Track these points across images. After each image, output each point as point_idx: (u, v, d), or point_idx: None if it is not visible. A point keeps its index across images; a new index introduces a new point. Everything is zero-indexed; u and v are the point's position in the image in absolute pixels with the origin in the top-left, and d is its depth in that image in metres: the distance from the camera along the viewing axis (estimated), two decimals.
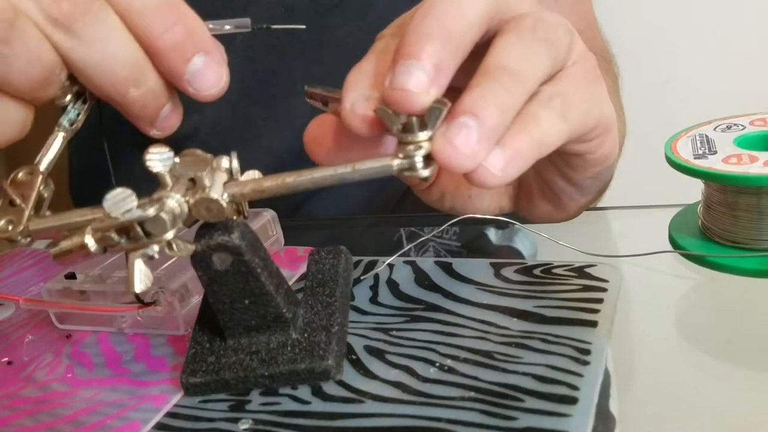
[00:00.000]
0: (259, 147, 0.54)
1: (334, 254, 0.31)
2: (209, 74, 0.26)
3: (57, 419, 0.28)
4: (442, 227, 0.43)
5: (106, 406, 0.29)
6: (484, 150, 0.24)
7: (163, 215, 0.24)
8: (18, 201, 0.26)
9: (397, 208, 0.59)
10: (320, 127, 0.28)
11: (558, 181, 0.34)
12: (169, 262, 0.33)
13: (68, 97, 0.26)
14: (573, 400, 0.24)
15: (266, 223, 0.38)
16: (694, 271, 0.34)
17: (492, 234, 0.44)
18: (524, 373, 0.26)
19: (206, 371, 0.28)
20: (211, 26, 0.27)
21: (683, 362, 0.30)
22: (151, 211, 0.24)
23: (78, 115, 0.26)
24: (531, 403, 0.25)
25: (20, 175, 0.26)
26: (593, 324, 0.29)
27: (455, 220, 0.41)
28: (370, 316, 0.32)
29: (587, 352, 0.27)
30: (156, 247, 0.24)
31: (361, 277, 0.35)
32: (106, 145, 0.29)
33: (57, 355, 0.33)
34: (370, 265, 0.36)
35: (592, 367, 0.26)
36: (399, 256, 0.37)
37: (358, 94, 0.25)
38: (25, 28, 0.23)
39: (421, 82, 0.24)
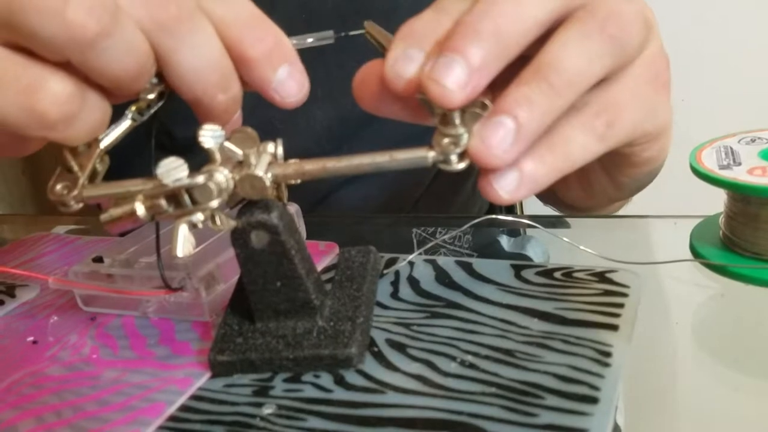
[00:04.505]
0: None
1: (363, 253, 0.32)
2: (293, 83, 0.27)
3: (82, 398, 0.29)
4: (456, 232, 0.43)
5: (131, 387, 0.29)
6: (517, 152, 0.24)
7: (211, 184, 0.25)
8: (75, 168, 0.27)
9: (413, 210, 0.59)
10: (370, 71, 0.28)
11: (596, 170, 0.33)
12: (197, 250, 0.34)
13: (153, 95, 0.27)
14: (594, 400, 0.25)
15: None
16: (714, 281, 0.34)
17: (504, 241, 0.45)
18: (545, 372, 0.26)
19: (233, 351, 0.28)
20: (294, 41, 0.29)
21: (698, 373, 0.30)
22: (200, 179, 0.25)
23: (150, 109, 0.28)
24: (552, 401, 0.25)
25: (80, 146, 0.28)
26: (614, 327, 0.29)
27: (472, 222, 0.41)
28: (391, 311, 0.32)
29: (608, 354, 0.27)
30: (201, 216, 0.26)
31: (384, 272, 0.35)
32: (153, 142, 0.29)
33: (82, 337, 0.34)
34: (391, 262, 0.36)
35: (612, 369, 0.26)
36: (416, 256, 0.37)
37: (403, 52, 0.25)
38: (125, 23, 0.24)
39: (458, 80, 0.24)
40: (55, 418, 0.28)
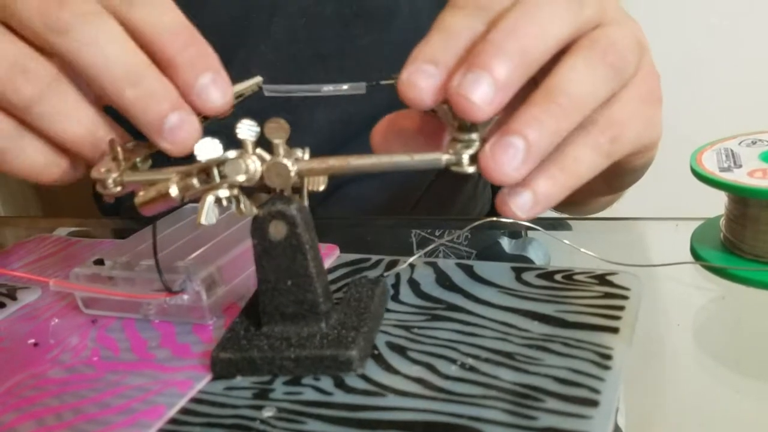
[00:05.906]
0: None
1: (373, 283, 0.33)
2: (216, 90, 0.29)
3: (82, 400, 0.29)
4: (457, 233, 0.43)
5: (132, 389, 0.29)
6: (527, 170, 0.26)
7: (241, 161, 0.27)
8: (120, 157, 0.29)
9: (413, 211, 0.60)
10: (384, 122, 0.31)
11: None
12: (198, 252, 0.34)
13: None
14: (594, 403, 0.25)
15: None
16: (715, 283, 0.34)
17: (505, 243, 0.45)
18: (546, 375, 0.26)
19: (236, 349, 0.29)
20: (331, 88, 0.31)
21: (698, 375, 0.30)
22: (232, 153, 0.27)
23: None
24: (552, 404, 0.25)
25: (129, 143, 0.30)
26: (614, 330, 0.29)
27: (473, 225, 0.41)
28: (391, 313, 0.32)
29: (608, 357, 0.27)
30: (227, 192, 0.28)
31: (385, 274, 0.35)
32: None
33: (83, 339, 0.34)
34: (391, 264, 0.36)
35: (613, 372, 0.26)
36: (416, 259, 0.37)
37: (417, 67, 0.27)
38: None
39: (486, 96, 0.25)
40: (55, 420, 0.28)
